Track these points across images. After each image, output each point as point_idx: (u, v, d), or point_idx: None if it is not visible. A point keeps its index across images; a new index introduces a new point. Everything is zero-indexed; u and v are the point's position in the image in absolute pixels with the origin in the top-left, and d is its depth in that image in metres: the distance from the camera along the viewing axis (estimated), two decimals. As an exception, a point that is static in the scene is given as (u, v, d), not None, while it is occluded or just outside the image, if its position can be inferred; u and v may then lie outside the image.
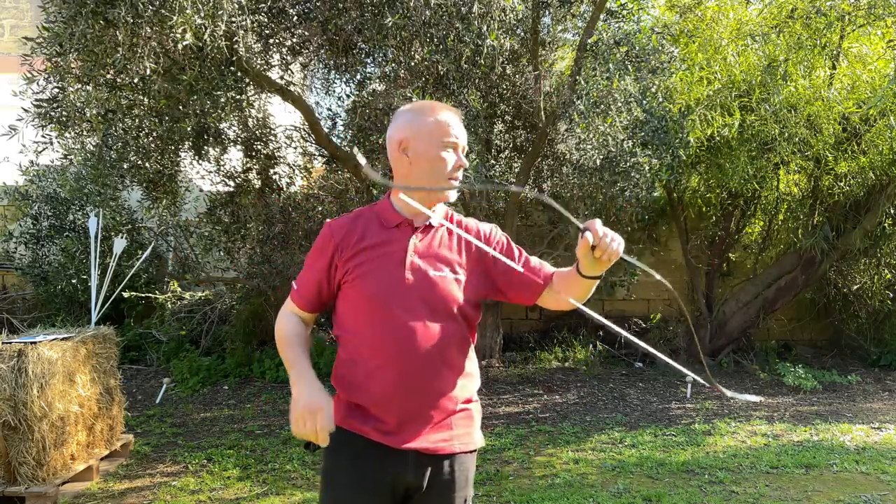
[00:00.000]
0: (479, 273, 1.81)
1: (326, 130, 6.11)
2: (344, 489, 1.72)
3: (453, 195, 1.78)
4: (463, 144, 1.77)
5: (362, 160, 1.75)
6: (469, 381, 1.80)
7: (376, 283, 1.71)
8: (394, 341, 1.68)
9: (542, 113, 5.59)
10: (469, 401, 1.80)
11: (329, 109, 6.79)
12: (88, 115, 4.20)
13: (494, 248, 1.80)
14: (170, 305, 7.03)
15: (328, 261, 1.76)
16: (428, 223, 1.78)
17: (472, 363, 1.81)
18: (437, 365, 1.71)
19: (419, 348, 1.68)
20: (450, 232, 1.80)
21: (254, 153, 6.21)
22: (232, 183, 6.37)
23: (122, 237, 5.11)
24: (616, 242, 1.56)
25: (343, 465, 1.73)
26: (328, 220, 1.83)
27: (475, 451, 1.82)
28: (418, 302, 1.70)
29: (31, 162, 6.38)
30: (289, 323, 1.83)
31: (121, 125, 4.57)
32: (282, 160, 6.35)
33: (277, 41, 5.34)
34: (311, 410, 1.62)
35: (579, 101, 5.06)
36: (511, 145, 6.77)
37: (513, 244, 1.87)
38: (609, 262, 1.59)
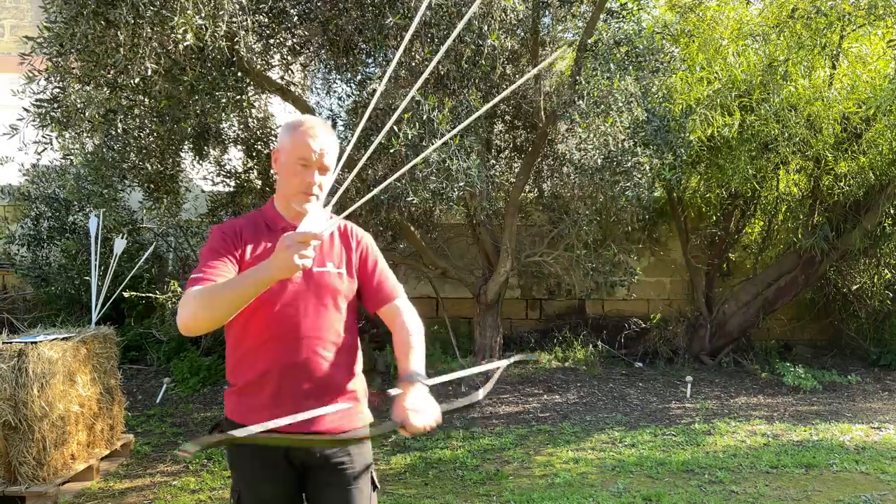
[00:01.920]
0: (353, 271, 1.96)
1: (327, 130, 6.10)
2: (248, 470, 1.88)
3: (311, 208, 1.78)
4: (322, 162, 1.81)
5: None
6: (354, 365, 1.93)
7: None
8: (277, 325, 1.80)
9: (542, 113, 5.60)
10: (353, 382, 1.92)
11: (329, 110, 6.80)
12: (89, 115, 4.20)
13: (362, 254, 1.96)
14: (170, 305, 7.03)
15: (232, 252, 1.81)
16: None
17: (351, 345, 1.93)
18: (322, 352, 1.84)
19: (304, 338, 1.81)
20: (332, 234, 1.94)
21: (254, 153, 6.22)
22: (233, 183, 6.38)
23: (122, 237, 5.12)
24: (423, 420, 1.63)
25: (243, 451, 1.88)
26: (214, 226, 1.91)
27: (365, 425, 1.95)
28: (302, 294, 1.83)
29: (34, 165, 6.39)
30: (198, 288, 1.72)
31: (121, 125, 4.57)
32: (282, 160, 6.36)
33: (278, 41, 5.35)
34: (289, 245, 1.51)
35: (580, 101, 5.07)
36: (511, 145, 6.78)
37: (374, 257, 1.99)
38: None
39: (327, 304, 1.86)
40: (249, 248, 1.83)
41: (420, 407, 1.65)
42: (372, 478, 1.94)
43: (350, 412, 1.91)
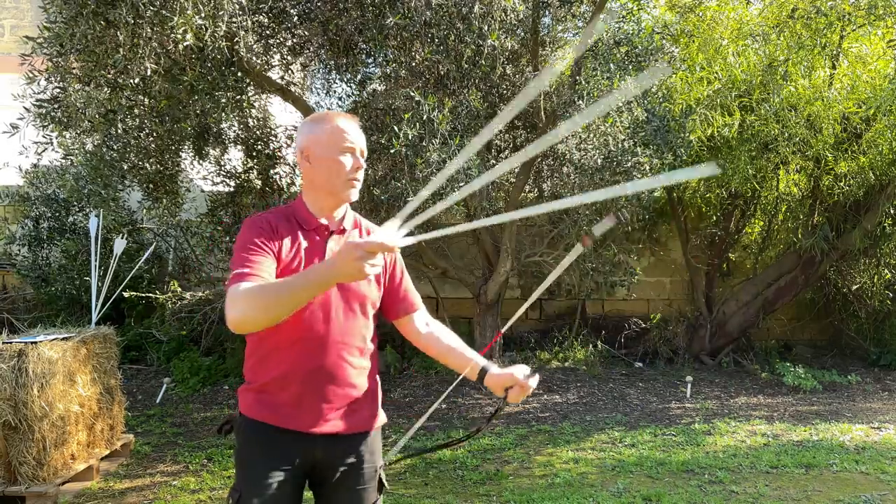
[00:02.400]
0: (380, 280, 1.97)
1: (327, 130, 6.09)
2: (256, 469, 1.84)
3: (355, 194, 1.87)
4: (361, 147, 1.86)
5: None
6: (371, 367, 1.95)
7: None
8: (305, 328, 1.80)
9: (542, 113, 5.60)
10: (371, 386, 1.95)
11: (329, 110, 6.79)
12: (89, 115, 4.20)
13: (391, 262, 1.98)
14: (170, 305, 7.03)
15: (270, 247, 1.79)
16: (341, 227, 1.91)
17: (373, 351, 1.96)
18: (347, 355, 1.85)
19: (332, 340, 1.82)
20: (360, 235, 1.94)
21: (254, 153, 6.22)
22: (233, 183, 6.37)
23: (122, 238, 5.11)
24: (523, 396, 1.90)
25: (255, 450, 1.85)
26: (246, 219, 1.86)
27: (378, 427, 1.98)
28: (332, 298, 1.83)
29: (35, 165, 6.38)
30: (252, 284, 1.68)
31: (121, 125, 4.57)
32: (282, 160, 6.36)
33: (278, 41, 5.35)
34: (360, 255, 1.48)
35: (580, 101, 5.07)
36: (511, 145, 6.78)
37: (401, 268, 2.03)
38: (498, 393, 1.93)
39: (356, 310, 1.87)
40: (287, 244, 1.81)
41: (520, 371, 1.89)
42: (380, 478, 1.94)
43: (369, 414, 1.94)
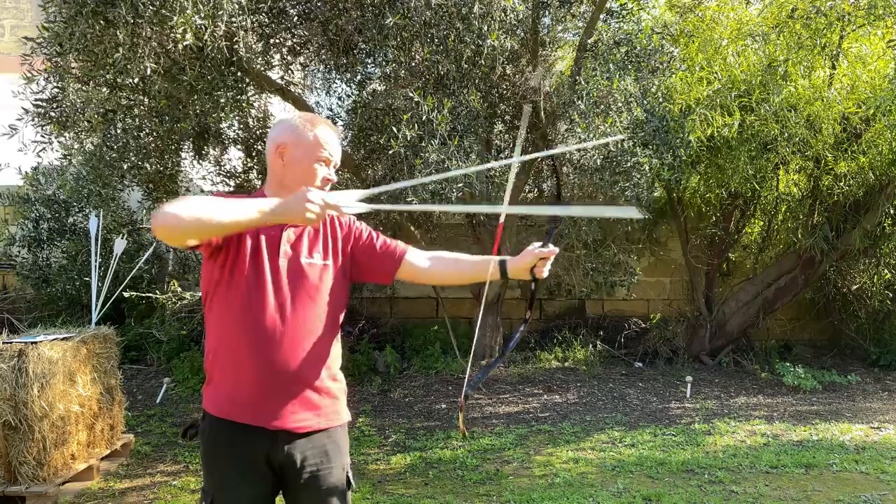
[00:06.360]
0: (345, 257, 1.97)
1: (326, 130, 6.09)
2: (224, 472, 1.85)
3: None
4: (335, 161, 1.90)
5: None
6: (334, 362, 1.92)
7: (254, 267, 1.81)
8: (254, 320, 1.79)
9: (542, 113, 5.60)
10: (334, 379, 1.92)
11: (329, 109, 6.80)
12: (88, 115, 4.20)
13: (355, 234, 2.00)
14: (170, 305, 7.03)
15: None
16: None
17: (337, 344, 1.94)
18: (303, 345, 1.83)
19: (287, 330, 1.81)
20: (320, 226, 1.95)
21: (254, 153, 6.22)
22: (232, 183, 6.38)
23: (122, 238, 5.11)
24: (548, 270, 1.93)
25: (220, 451, 1.85)
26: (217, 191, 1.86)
27: (344, 424, 1.96)
28: (289, 287, 1.83)
29: (35, 168, 6.38)
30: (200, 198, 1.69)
31: (121, 125, 4.57)
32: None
33: (278, 41, 5.34)
34: (311, 200, 1.61)
35: (580, 101, 5.07)
36: (511, 145, 6.78)
37: (368, 230, 2.05)
38: (525, 277, 1.94)
39: (313, 297, 1.87)
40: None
41: (534, 247, 1.93)
42: (347, 477, 1.93)
43: (332, 410, 1.91)
